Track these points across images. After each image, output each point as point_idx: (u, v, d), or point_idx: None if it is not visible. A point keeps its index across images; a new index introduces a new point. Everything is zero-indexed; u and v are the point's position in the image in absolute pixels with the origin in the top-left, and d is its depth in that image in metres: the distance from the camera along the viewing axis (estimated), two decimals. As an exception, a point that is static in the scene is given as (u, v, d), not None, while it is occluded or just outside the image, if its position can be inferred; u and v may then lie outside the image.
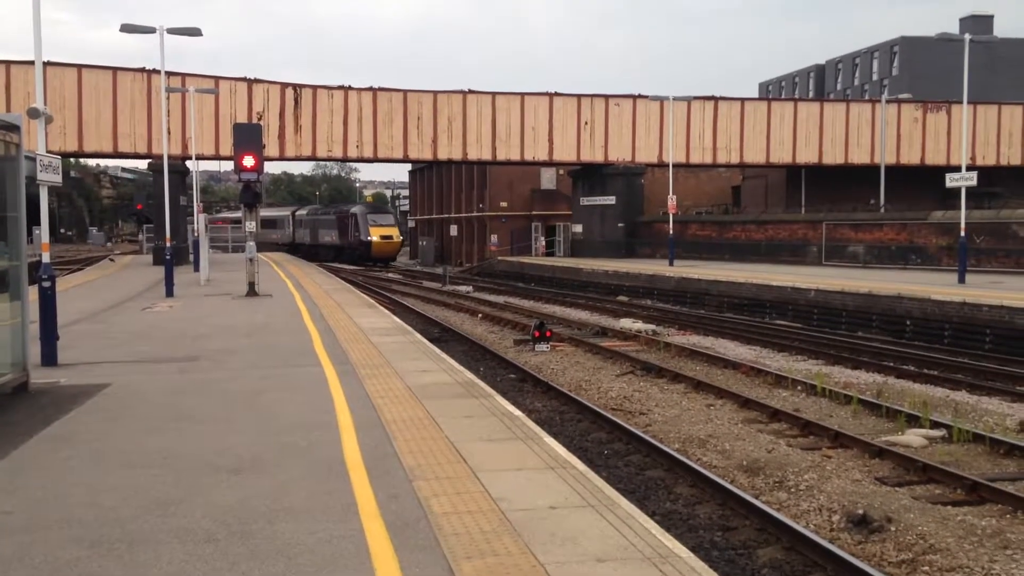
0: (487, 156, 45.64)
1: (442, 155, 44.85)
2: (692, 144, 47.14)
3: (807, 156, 48.82)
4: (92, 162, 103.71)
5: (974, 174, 27.80)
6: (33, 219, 12.94)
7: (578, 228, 51.26)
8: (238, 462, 7.34)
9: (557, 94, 45.79)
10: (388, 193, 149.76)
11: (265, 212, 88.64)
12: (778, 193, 56.62)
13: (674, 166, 42.68)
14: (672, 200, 40.51)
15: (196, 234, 35.30)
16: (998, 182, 49.67)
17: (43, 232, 12.90)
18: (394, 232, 59.79)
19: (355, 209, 62.14)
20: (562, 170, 56.77)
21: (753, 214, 48.17)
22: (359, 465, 7.20)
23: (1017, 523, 8.34)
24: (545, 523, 5.82)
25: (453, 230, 68.90)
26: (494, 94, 44.94)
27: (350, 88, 43.05)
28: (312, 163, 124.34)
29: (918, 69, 75.54)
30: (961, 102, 30.58)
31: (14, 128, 10.34)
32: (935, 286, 24.80)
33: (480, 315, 27.62)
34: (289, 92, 42.20)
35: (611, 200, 47.84)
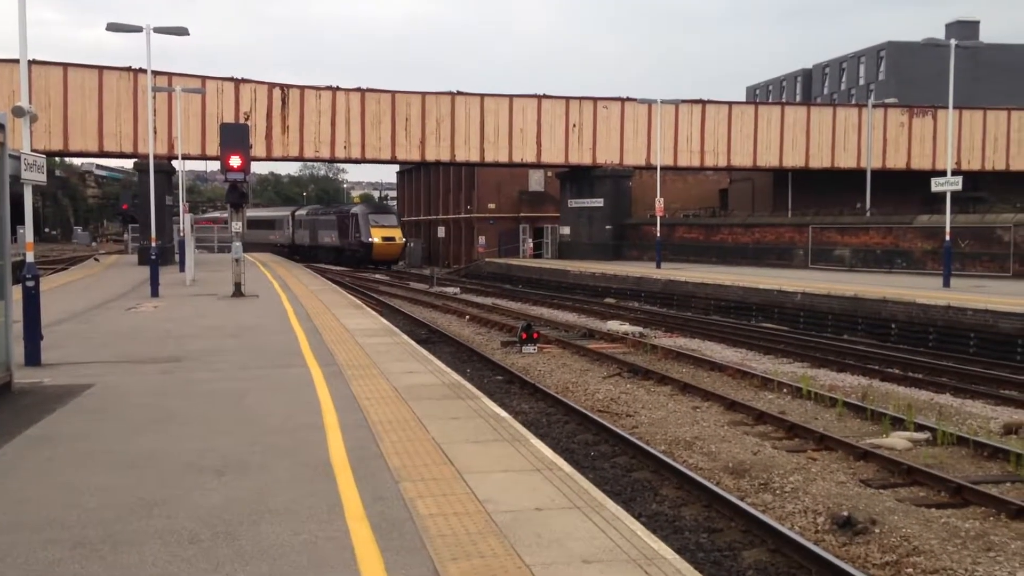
0: (475, 158, 45.63)
1: (430, 156, 44.81)
2: (680, 147, 47.28)
3: (794, 160, 49.03)
4: (77, 161, 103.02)
5: (959, 179, 27.96)
6: (17, 218, 12.86)
7: (566, 230, 51.31)
8: (223, 463, 7.30)
9: (546, 96, 45.84)
10: (376, 194, 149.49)
11: (263, 212, 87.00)
12: (765, 196, 56.86)
13: (662, 169, 42.80)
14: (660, 203, 40.61)
15: (182, 234, 35.16)
16: (983, 187, 50.03)
17: (27, 231, 12.80)
18: (396, 233, 57.11)
19: (355, 209, 59.48)
20: (550, 172, 56.87)
21: (740, 217, 48.33)
22: (345, 466, 7.17)
23: (1000, 525, 8.38)
24: (531, 525, 5.82)
25: (441, 232, 68.86)
26: (482, 96, 44.94)
27: (338, 89, 42.96)
28: (299, 164, 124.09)
29: (904, 74, 76.02)
30: (947, 107, 30.78)
31: (-1, 126, 10.27)
32: (920, 290, 24.94)
33: (467, 317, 27.60)
34: (276, 92, 42.08)
35: (599, 202, 47.92)
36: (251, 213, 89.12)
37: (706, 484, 9.38)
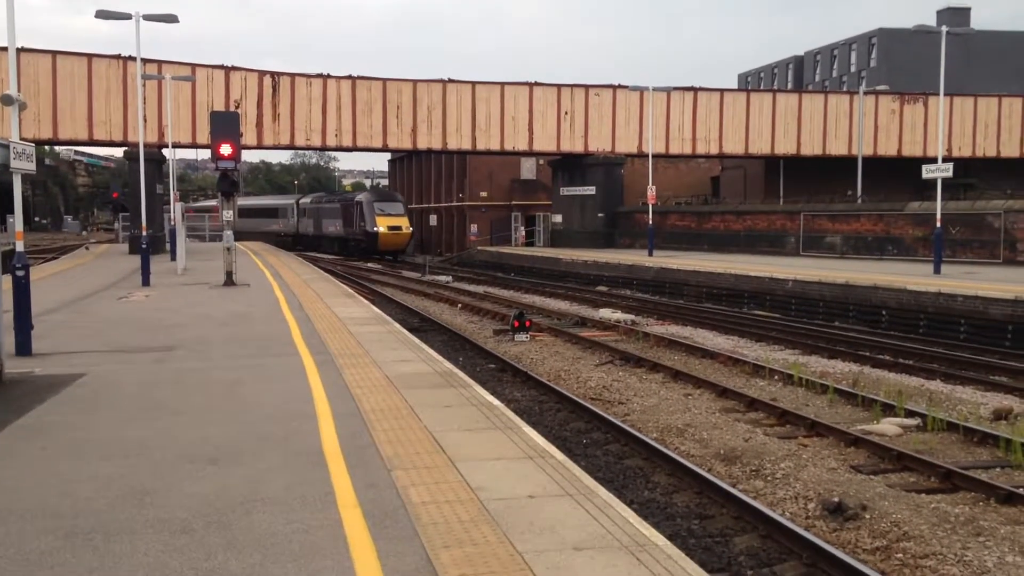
0: (467, 146, 45.53)
1: (422, 144, 44.70)
2: (672, 135, 47.24)
3: (786, 147, 49.06)
4: (58, 149, 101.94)
5: (950, 165, 28.02)
6: (6, 207, 12.82)
7: (558, 218, 51.29)
8: (215, 452, 7.30)
9: (537, 84, 45.73)
10: (368, 183, 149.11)
11: (266, 200, 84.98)
12: (757, 184, 56.88)
13: (654, 156, 42.78)
14: (651, 190, 40.61)
15: (173, 223, 35.04)
16: (974, 173, 50.17)
17: (17, 220, 12.76)
18: (403, 222, 54.05)
19: (360, 197, 56.55)
20: (542, 160, 56.80)
21: (732, 205, 48.37)
22: (337, 455, 7.18)
23: (990, 510, 8.44)
24: (523, 512, 5.84)
25: (433, 220, 68.75)
26: (474, 83, 44.80)
27: (329, 76, 42.77)
28: (291, 152, 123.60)
29: (895, 61, 76.06)
30: (938, 94, 30.81)
31: (-14, 115, 10.21)
32: (911, 276, 25.02)
33: (460, 305, 27.60)
34: (267, 80, 41.89)
35: (591, 190, 47.89)
36: (253, 201, 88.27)
37: (698, 471, 9.42)
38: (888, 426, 11.47)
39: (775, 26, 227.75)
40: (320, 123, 42.57)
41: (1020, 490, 8.76)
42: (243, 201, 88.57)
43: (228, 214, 23.74)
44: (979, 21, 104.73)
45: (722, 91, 49.13)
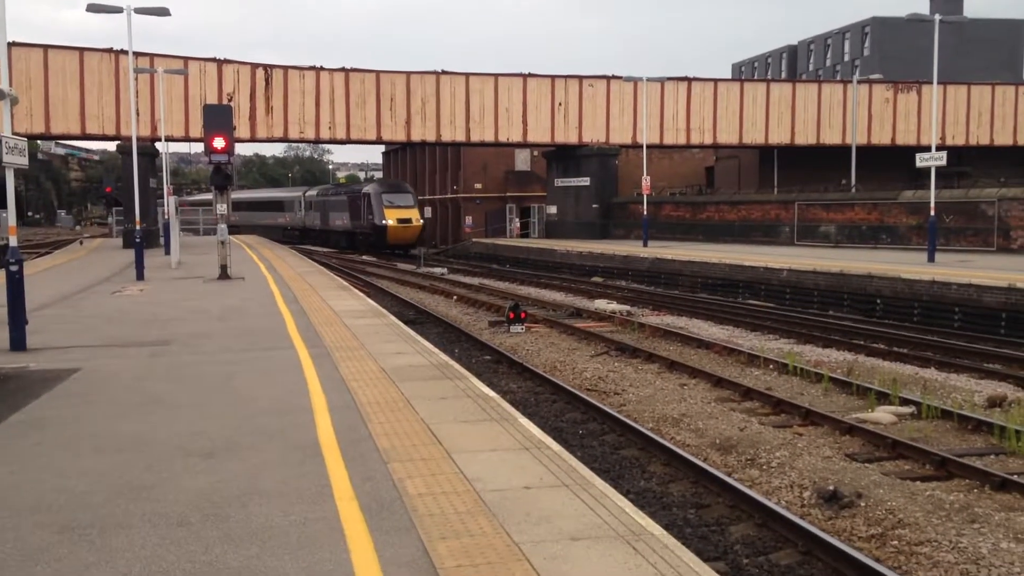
0: (461, 138, 45.45)
1: (416, 136, 44.62)
2: (666, 125, 47.21)
3: (780, 137, 49.06)
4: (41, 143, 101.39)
5: (944, 154, 28.05)
6: (-1, 202, 12.76)
7: (552, 209, 51.27)
8: (211, 446, 7.30)
9: (531, 75, 45.65)
10: (362, 175, 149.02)
11: (271, 193, 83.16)
12: (751, 174, 56.92)
13: (648, 147, 42.75)
14: (646, 181, 40.60)
15: (166, 217, 34.95)
16: (967, 162, 50.20)
17: (10, 215, 12.71)
18: (414, 214, 50.92)
19: (368, 188, 53.46)
20: (536, 151, 56.72)
21: (726, 195, 48.38)
22: (334, 447, 7.18)
23: (984, 497, 8.48)
24: (520, 503, 5.85)
25: (427, 212, 68.67)
26: (468, 75, 44.71)
27: (322, 69, 42.65)
28: (284, 145, 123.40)
29: (889, 49, 76.08)
30: (931, 82, 30.82)
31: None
32: (905, 265, 25.07)
33: (455, 297, 27.59)
34: (260, 73, 41.75)
35: (585, 181, 47.87)
36: (258, 194, 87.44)
37: (693, 460, 9.44)
38: (883, 414, 11.51)
39: (769, 15, 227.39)
40: (313, 116, 42.46)
41: (1014, 477, 8.80)
42: (247, 194, 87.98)
43: (222, 208, 23.69)
44: (972, 9, 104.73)
45: (716, 81, 49.11)
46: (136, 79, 30.78)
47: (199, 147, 43.02)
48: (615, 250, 36.61)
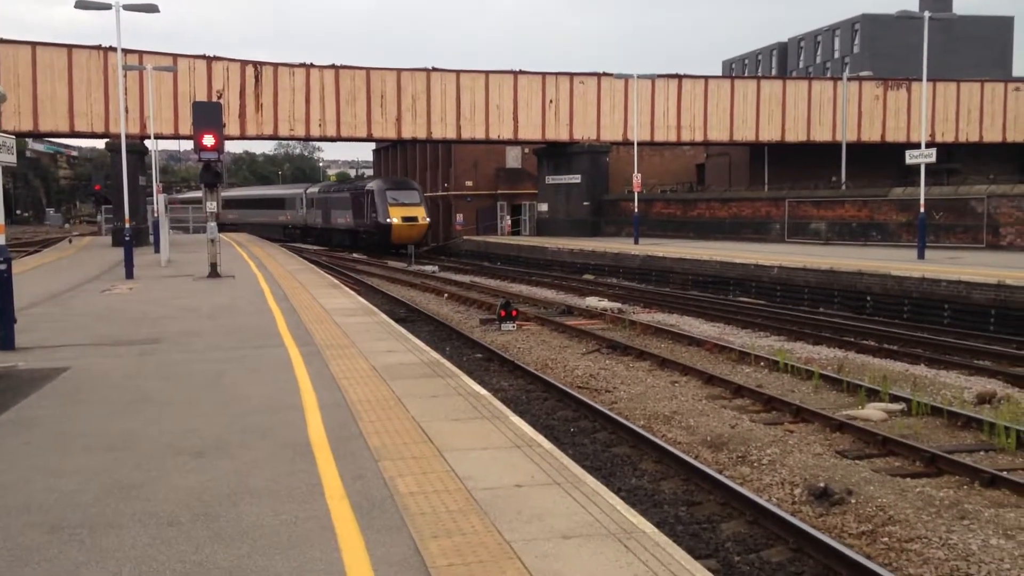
0: (452, 135, 45.40)
1: (406, 134, 44.55)
2: (656, 122, 47.26)
3: (770, 134, 49.17)
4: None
5: (933, 151, 28.16)
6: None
7: (544, 207, 51.26)
8: (201, 444, 7.27)
9: (522, 72, 45.61)
10: (352, 172, 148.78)
11: (271, 190, 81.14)
12: (742, 171, 57.03)
13: (639, 144, 42.79)
14: (637, 178, 40.65)
15: (156, 215, 34.82)
16: (957, 159, 50.43)
17: (-2, 213, 12.62)
18: (419, 212, 48.54)
19: (371, 185, 51.07)
20: (527, 149, 56.70)
21: (717, 192, 48.48)
22: (324, 446, 7.16)
23: (974, 494, 8.51)
24: (511, 501, 5.84)
25: (419, 209, 68.42)
26: (458, 72, 44.65)
27: (312, 66, 42.53)
28: (274, 142, 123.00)
29: (879, 47, 76.31)
30: (921, 79, 30.93)
31: (-35, 107, 10.10)
32: (895, 262, 25.16)
33: (446, 295, 27.57)
34: (249, 70, 41.62)
35: (576, 179, 47.88)
36: (255, 191, 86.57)
37: (685, 458, 9.45)
38: (873, 411, 11.54)
39: (760, 13, 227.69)
40: (304, 113, 42.35)
41: (1004, 473, 8.84)
42: (245, 191, 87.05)
43: (211, 205, 23.61)
44: (961, 6, 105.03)
45: (706, 78, 49.17)
46: (125, 76, 30.61)
47: (189, 144, 42.87)
48: (606, 247, 36.64)
